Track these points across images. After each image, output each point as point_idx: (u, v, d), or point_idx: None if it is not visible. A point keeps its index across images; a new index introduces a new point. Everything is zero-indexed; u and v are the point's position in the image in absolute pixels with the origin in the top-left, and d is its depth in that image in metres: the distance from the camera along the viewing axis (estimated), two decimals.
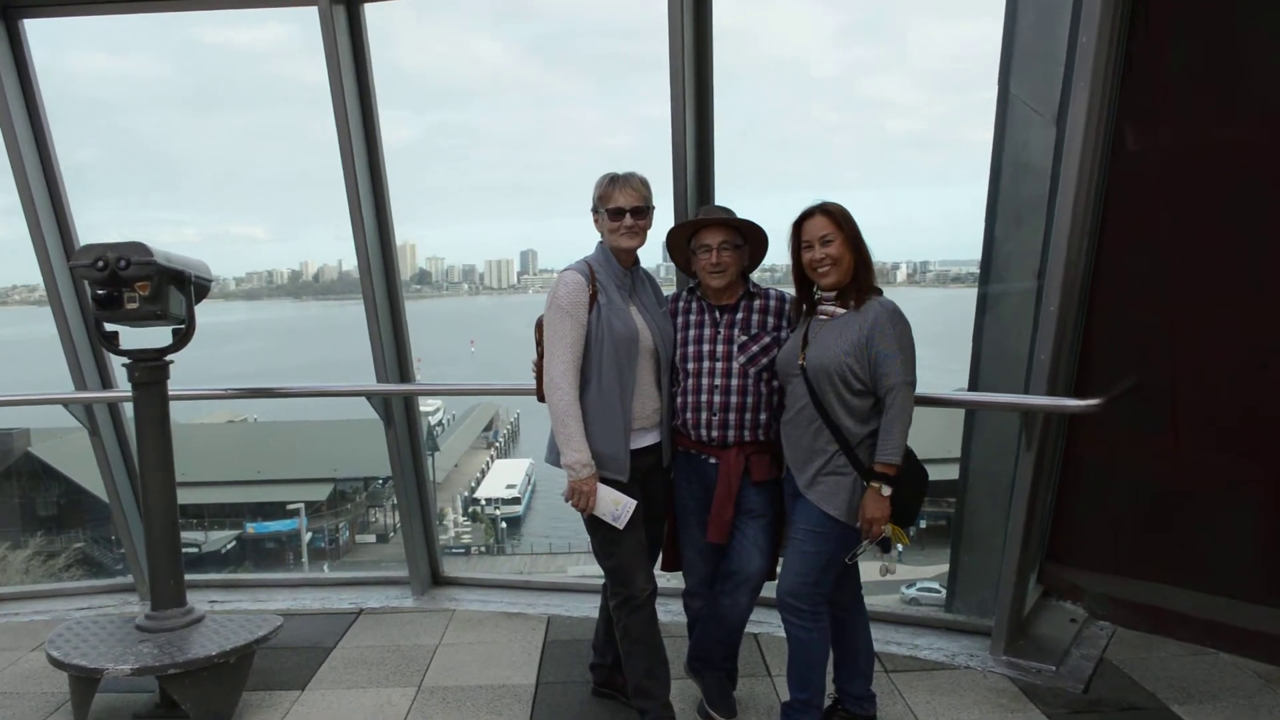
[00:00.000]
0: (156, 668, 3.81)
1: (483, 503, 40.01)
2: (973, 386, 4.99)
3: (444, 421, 44.06)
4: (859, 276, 3.45)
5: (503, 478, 42.12)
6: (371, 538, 36.58)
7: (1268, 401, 4.14)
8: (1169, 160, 4.10)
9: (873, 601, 3.84)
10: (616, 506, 3.47)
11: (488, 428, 49.24)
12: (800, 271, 3.53)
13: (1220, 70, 3.99)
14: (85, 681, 3.89)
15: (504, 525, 39.40)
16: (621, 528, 3.49)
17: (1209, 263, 4.17)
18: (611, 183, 3.57)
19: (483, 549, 37.78)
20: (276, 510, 33.75)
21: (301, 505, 33.34)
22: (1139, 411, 4.33)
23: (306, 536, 33.60)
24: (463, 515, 39.06)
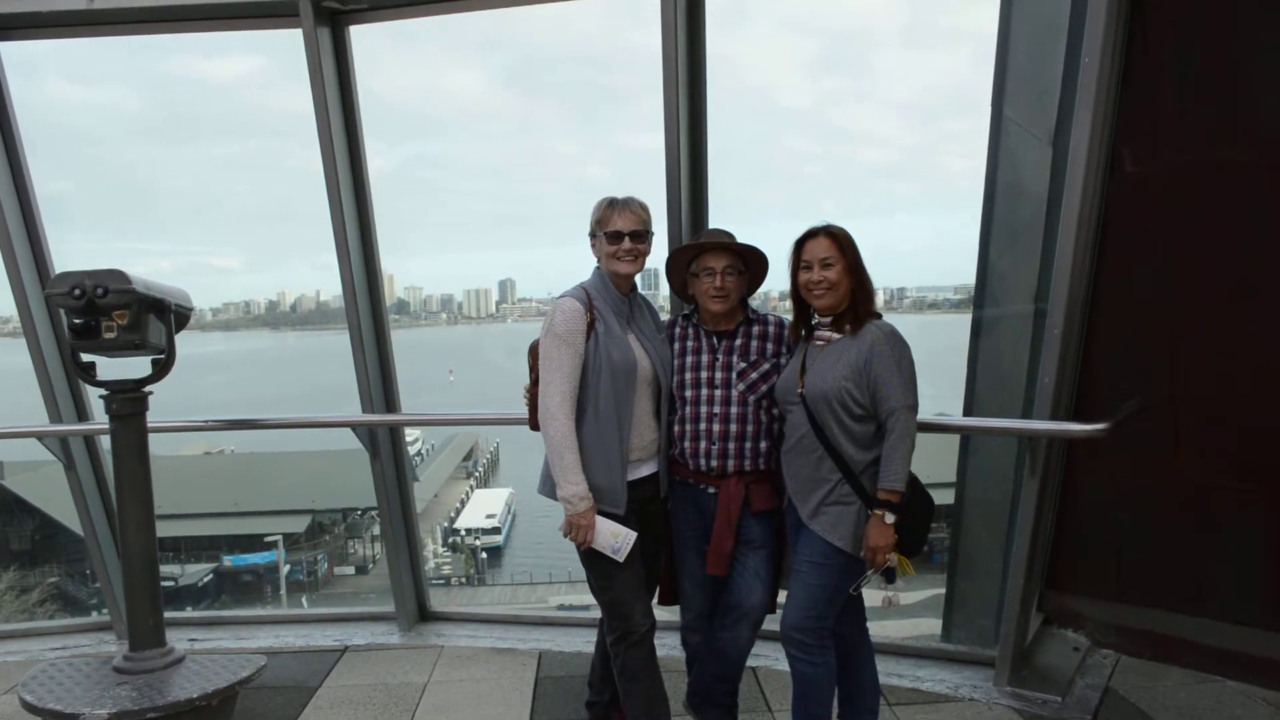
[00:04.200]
0: (135, 712, 3.66)
1: (463, 533, 39.69)
2: (967, 411, 4.94)
3: (423, 451, 43.80)
4: (857, 302, 3.38)
5: (482, 507, 41.81)
6: (350, 569, 36.24)
7: (1271, 423, 4.08)
8: (1167, 181, 4.06)
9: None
10: (616, 539, 3.37)
11: (467, 457, 48.96)
12: (798, 293, 3.45)
13: (1219, 90, 3.95)
14: None
15: (484, 555, 39.10)
16: (622, 560, 3.39)
17: (1209, 283, 4.12)
18: (610, 206, 3.48)
19: (463, 580, 37.48)
20: (254, 542, 33.39)
21: (279, 537, 32.98)
22: (1140, 434, 4.27)
23: (285, 568, 33.23)
24: (442, 546, 38.73)
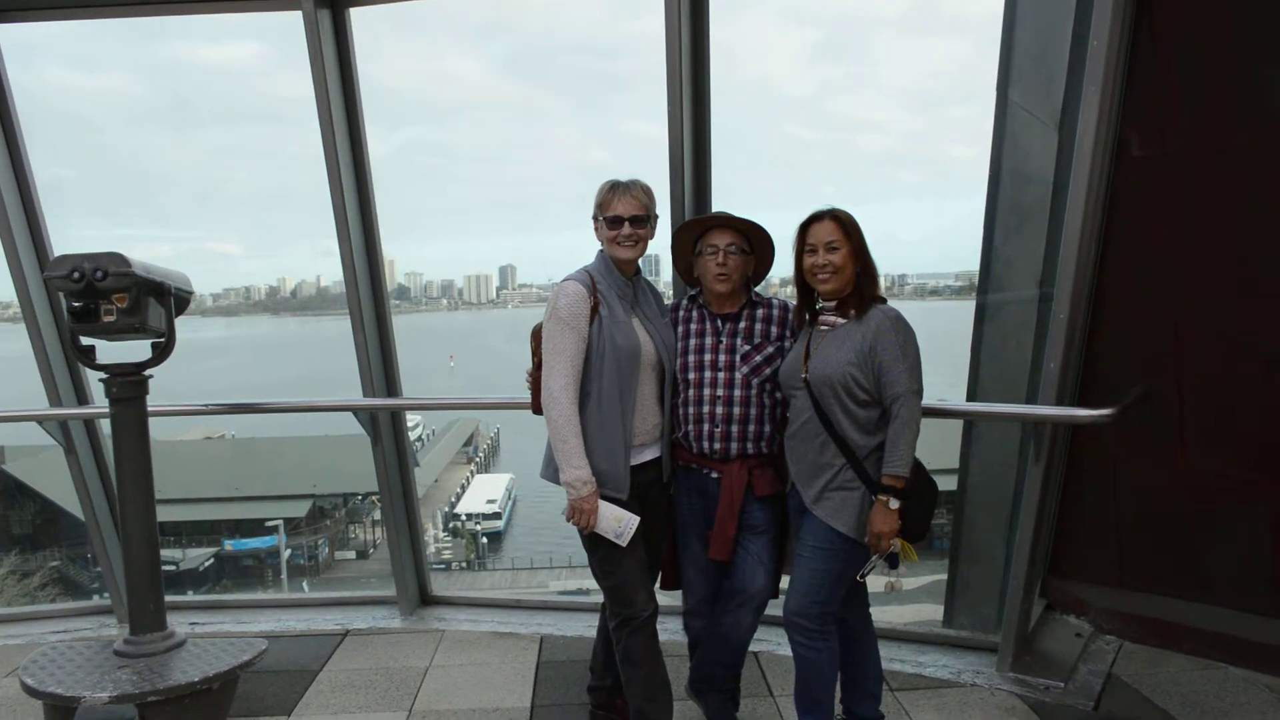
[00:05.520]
0: (136, 695, 3.65)
1: (463, 518, 39.78)
2: (971, 397, 4.92)
3: (423, 436, 43.87)
4: (861, 286, 3.36)
5: (483, 493, 41.92)
6: (351, 554, 36.38)
7: (1276, 410, 4.06)
8: (1174, 167, 4.03)
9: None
10: (619, 524, 3.36)
11: (468, 443, 49.06)
12: (803, 277, 3.43)
13: (1226, 76, 3.93)
14: (61, 710, 3.72)
15: (485, 540, 39.21)
16: (625, 545, 3.37)
17: (1214, 270, 4.11)
18: (612, 189, 3.45)
19: (464, 564, 37.59)
20: (255, 527, 33.47)
21: (280, 522, 33.07)
22: (1144, 421, 4.25)
23: (285, 553, 33.32)
24: (443, 531, 38.84)
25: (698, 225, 3.62)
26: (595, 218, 3.51)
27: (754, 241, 3.55)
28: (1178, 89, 3.96)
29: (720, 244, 3.49)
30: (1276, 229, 3.91)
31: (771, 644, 4.59)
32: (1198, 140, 4.02)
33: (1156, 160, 4.02)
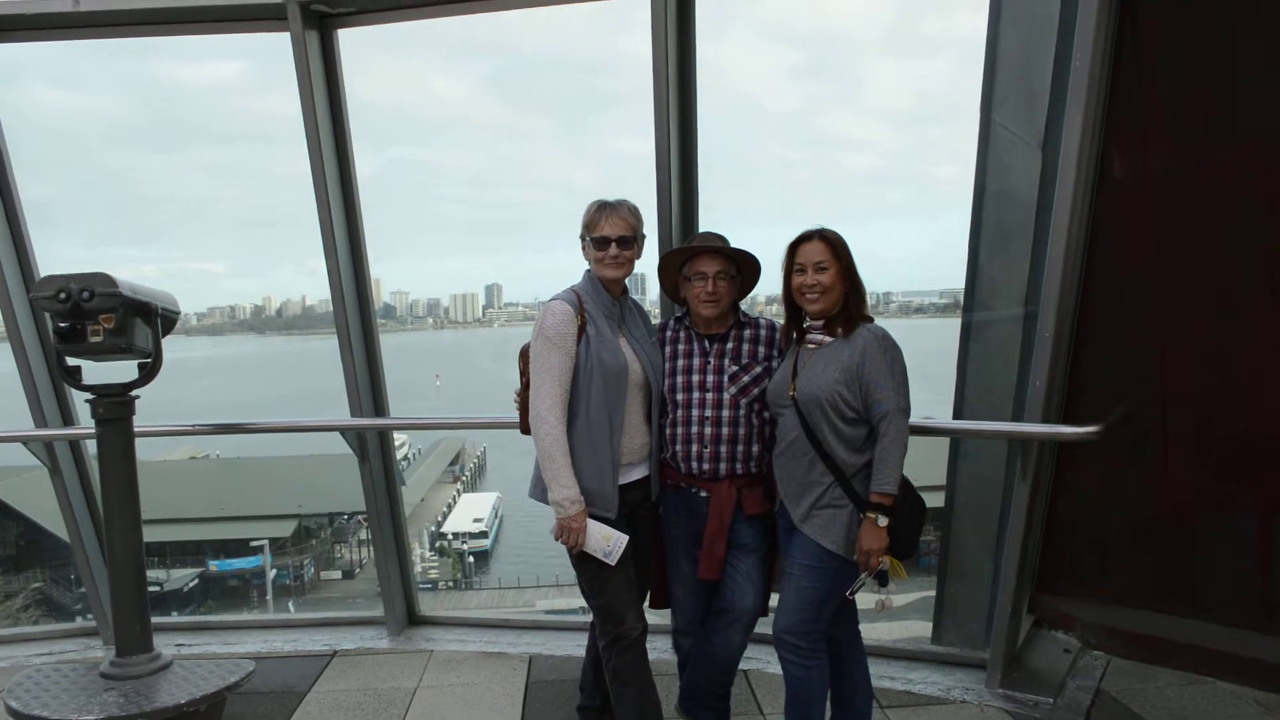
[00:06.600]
0: (123, 718, 3.63)
1: (450, 537, 39.63)
2: (957, 415, 4.94)
3: (409, 455, 43.69)
4: (849, 305, 3.37)
5: (469, 512, 41.76)
6: (337, 574, 36.16)
7: (1260, 426, 4.10)
8: (1157, 185, 4.08)
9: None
10: (607, 543, 3.36)
11: (454, 461, 48.90)
12: (791, 296, 3.44)
13: (1208, 95, 3.97)
14: None
15: (471, 560, 39.05)
16: (614, 564, 3.37)
17: (1198, 287, 4.14)
18: (599, 210, 3.47)
19: (450, 584, 37.42)
20: (240, 547, 33.25)
21: (265, 542, 32.88)
22: (1129, 438, 4.28)
23: (271, 573, 33.11)
24: (429, 550, 38.68)
25: (686, 251, 3.64)
26: (583, 237, 3.52)
27: (741, 264, 3.56)
28: (1160, 108, 4.00)
29: (709, 271, 3.50)
30: (1257, 246, 3.95)
31: (761, 662, 4.58)
32: (1180, 159, 4.06)
33: (1139, 179, 4.06)
